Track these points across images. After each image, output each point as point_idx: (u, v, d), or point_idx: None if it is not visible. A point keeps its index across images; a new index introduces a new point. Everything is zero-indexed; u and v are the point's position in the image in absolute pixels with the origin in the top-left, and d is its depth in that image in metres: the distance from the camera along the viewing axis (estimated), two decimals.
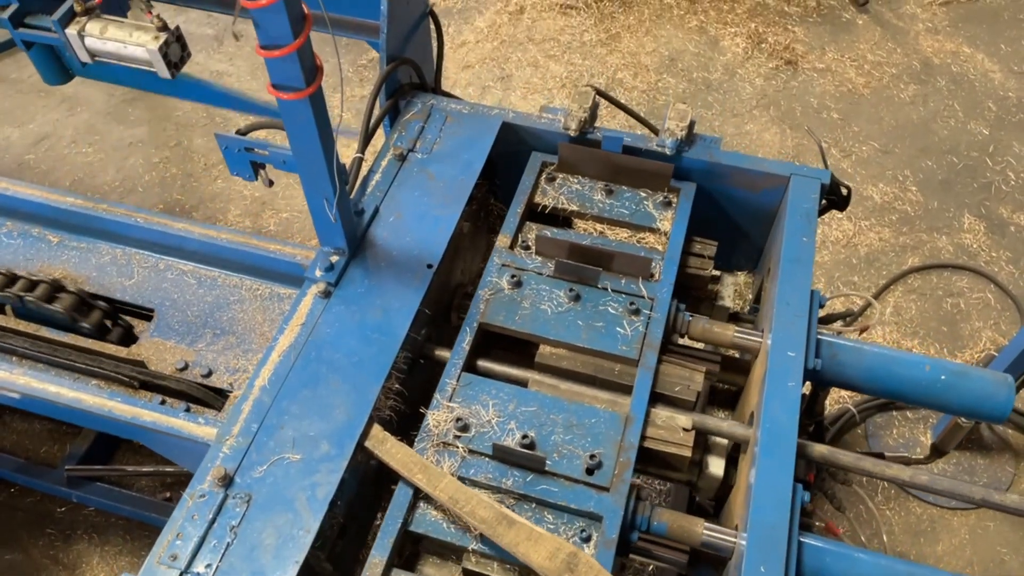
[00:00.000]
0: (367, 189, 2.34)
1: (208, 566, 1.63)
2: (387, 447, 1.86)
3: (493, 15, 5.64)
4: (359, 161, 2.29)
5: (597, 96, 2.48)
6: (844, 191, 2.41)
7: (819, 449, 1.96)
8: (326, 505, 1.72)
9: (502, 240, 2.26)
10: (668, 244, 2.28)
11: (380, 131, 2.52)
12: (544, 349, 2.10)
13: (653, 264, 2.20)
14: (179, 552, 1.65)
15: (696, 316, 2.22)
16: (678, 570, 1.98)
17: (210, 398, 2.39)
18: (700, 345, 2.33)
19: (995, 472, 3.46)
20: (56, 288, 2.57)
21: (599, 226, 2.38)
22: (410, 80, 2.62)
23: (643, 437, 1.92)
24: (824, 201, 2.36)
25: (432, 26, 2.69)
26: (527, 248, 2.28)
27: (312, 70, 1.72)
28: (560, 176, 2.43)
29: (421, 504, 1.81)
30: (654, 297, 2.14)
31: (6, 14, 2.59)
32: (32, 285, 2.56)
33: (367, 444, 1.85)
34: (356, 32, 2.68)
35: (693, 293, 2.42)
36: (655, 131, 2.51)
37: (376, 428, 1.88)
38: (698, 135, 2.44)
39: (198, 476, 1.77)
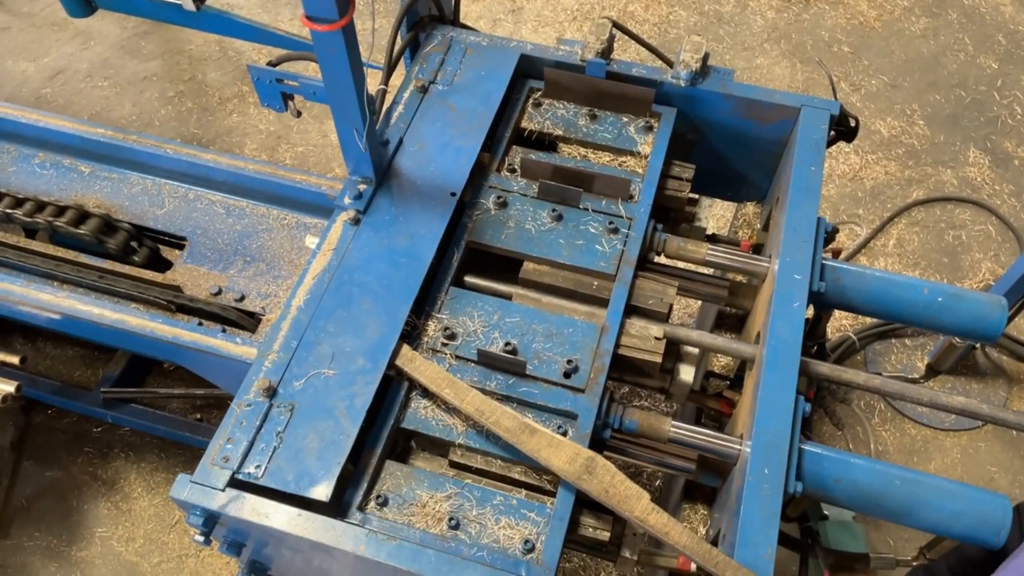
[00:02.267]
0: (391, 120, 2.42)
1: (257, 467, 1.78)
2: (416, 364, 2.00)
3: None
4: (383, 93, 2.36)
5: (613, 28, 2.54)
6: (852, 123, 2.48)
7: (822, 367, 2.09)
8: (363, 413, 1.86)
9: (489, 163, 2.37)
10: (647, 167, 2.39)
11: (401, 64, 2.59)
12: (527, 266, 2.24)
13: (632, 186, 2.32)
14: (230, 454, 1.80)
15: (671, 236, 2.34)
16: (686, 476, 2.14)
17: (244, 321, 2.53)
18: (713, 274, 2.45)
19: (988, 396, 3.61)
20: (82, 213, 2.69)
21: (583, 150, 2.51)
22: (429, 12, 2.67)
23: (617, 345, 2.07)
24: (833, 132, 2.44)
25: None
26: (513, 171, 2.40)
27: (345, 2, 1.78)
28: (547, 102, 2.54)
29: (412, 404, 1.99)
30: (632, 217, 2.27)
31: None
32: (60, 211, 2.67)
33: (398, 362, 1.98)
34: None
35: (672, 215, 2.55)
36: (669, 64, 2.57)
37: (405, 347, 2.01)
38: (712, 67, 2.50)
39: (244, 388, 1.91)
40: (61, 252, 2.65)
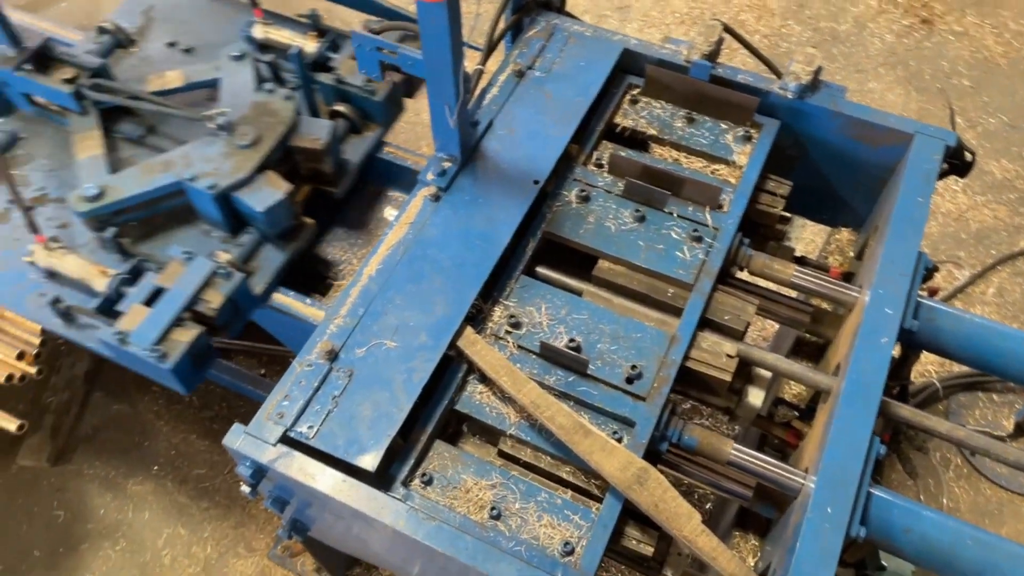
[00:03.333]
0: (483, 102, 2.39)
1: (310, 427, 1.78)
2: (477, 348, 1.97)
3: None
4: (479, 73, 2.33)
5: (724, 32, 2.45)
6: (968, 157, 2.33)
7: (903, 410, 1.97)
8: (419, 389, 1.84)
9: (576, 155, 2.31)
10: (741, 178, 2.29)
11: (500, 47, 2.56)
12: (602, 264, 2.18)
13: (723, 195, 2.23)
14: (286, 412, 1.80)
15: (757, 252, 2.24)
16: (741, 502, 2.05)
17: (318, 285, 2.55)
18: (797, 297, 2.34)
19: None
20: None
21: (675, 153, 2.43)
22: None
23: (686, 357, 1.99)
24: (946, 165, 2.30)
25: None
26: (600, 166, 2.34)
27: None
28: (643, 100, 2.47)
29: (468, 387, 1.96)
30: (719, 227, 2.18)
31: None
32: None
33: (460, 343, 1.96)
34: None
35: (760, 231, 2.44)
36: (777, 74, 2.47)
37: (469, 330, 1.98)
38: (823, 82, 2.39)
39: (306, 348, 1.92)
40: None
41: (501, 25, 2.53)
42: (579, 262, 2.22)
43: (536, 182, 2.21)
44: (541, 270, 2.22)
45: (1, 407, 2.94)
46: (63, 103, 2.41)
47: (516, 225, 2.12)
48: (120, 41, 2.65)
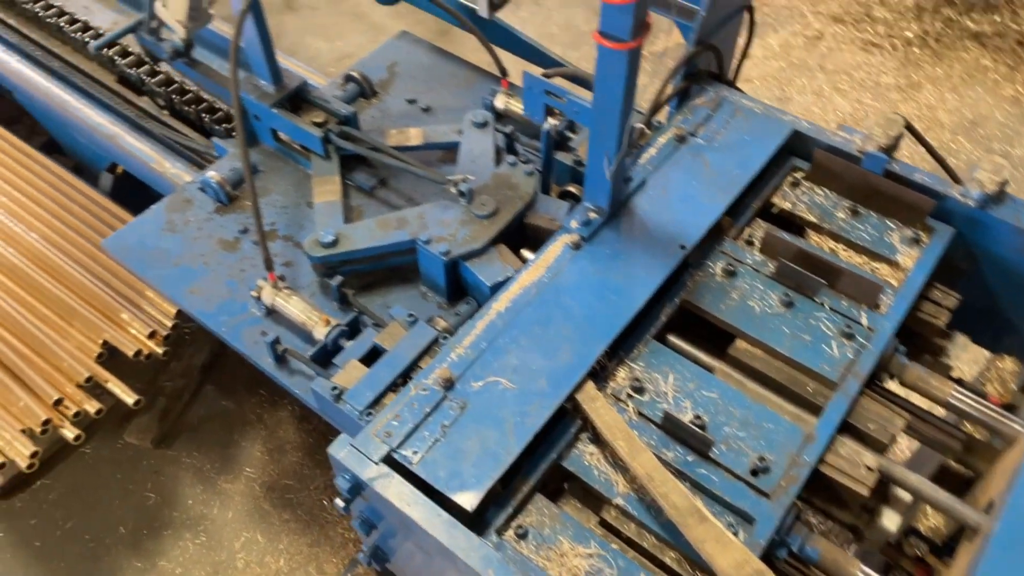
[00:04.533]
0: (639, 160, 2.35)
1: (415, 452, 1.73)
2: (596, 405, 1.88)
3: (788, 35, 5.46)
4: (641, 130, 2.30)
5: (905, 128, 2.32)
6: None
7: None
8: (531, 436, 1.76)
9: (727, 228, 2.22)
10: (905, 280, 2.13)
11: (664, 111, 2.53)
12: (741, 344, 2.05)
13: (882, 295, 2.07)
14: (393, 432, 1.76)
15: (913, 363, 2.05)
16: None
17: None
18: (941, 413, 2.13)
19: None
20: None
21: (832, 243, 2.29)
22: (707, 68, 2.59)
23: (821, 460, 1.81)
24: None
25: (748, 21, 2.63)
26: (751, 243, 2.24)
27: (642, 25, 1.74)
28: (806, 184, 2.35)
29: (578, 445, 1.86)
30: (874, 328, 2.02)
31: None
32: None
33: (579, 396, 1.87)
34: (665, 9, 2.69)
35: (917, 341, 2.24)
36: (956, 180, 2.31)
37: (590, 384, 1.90)
38: (1009, 195, 2.21)
39: (424, 371, 1.88)
40: None
41: (669, 89, 2.50)
42: (714, 337, 2.10)
43: (682, 247, 2.12)
44: (673, 339, 2.12)
45: (123, 380, 3.06)
46: (309, 145, 2.48)
47: (655, 286, 2.04)
48: (364, 91, 2.76)
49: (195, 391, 3.79)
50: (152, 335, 3.06)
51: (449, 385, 1.85)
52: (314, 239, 2.22)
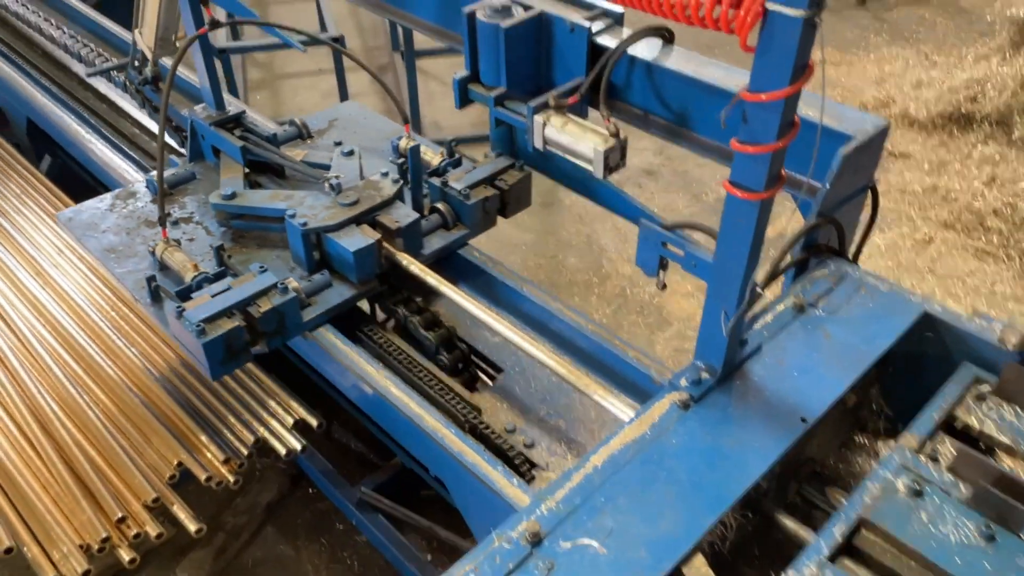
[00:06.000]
0: (755, 324, 2.23)
1: None
2: None
3: (895, 236, 5.38)
4: (760, 294, 2.20)
5: None
6: None
7: None
8: None
9: (908, 440, 1.96)
10: None
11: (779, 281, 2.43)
12: None
13: None
14: None
15: None
16: None
17: (525, 467, 2.37)
18: None
19: None
20: (435, 321, 2.81)
21: None
22: (828, 243, 2.51)
23: None
24: None
25: (869, 200, 2.58)
26: (934, 460, 1.95)
27: (776, 177, 1.69)
28: (992, 399, 2.09)
29: None
30: None
31: (494, 94, 3.02)
32: (419, 310, 2.83)
33: (685, 571, 1.65)
34: (794, 189, 2.66)
35: None
36: None
37: (699, 559, 1.67)
38: None
39: (511, 522, 1.71)
40: (398, 340, 2.78)
41: (787, 258, 2.42)
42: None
43: (803, 419, 1.94)
44: (847, 561, 1.77)
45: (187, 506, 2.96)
46: (231, 153, 3.08)
47: (774, 459, 1.84)
48: (301, 133, 3.33)
49: (255, 531, 3.63)
50: (227, 461, 2.98)
51: (537, 541, 1.66)
52: (218, 192, 2.84)
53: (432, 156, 3.11)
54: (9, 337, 3.47)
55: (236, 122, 3.16)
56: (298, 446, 2.98)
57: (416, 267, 2.68)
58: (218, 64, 5.92)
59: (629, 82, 2.86)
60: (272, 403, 3.15)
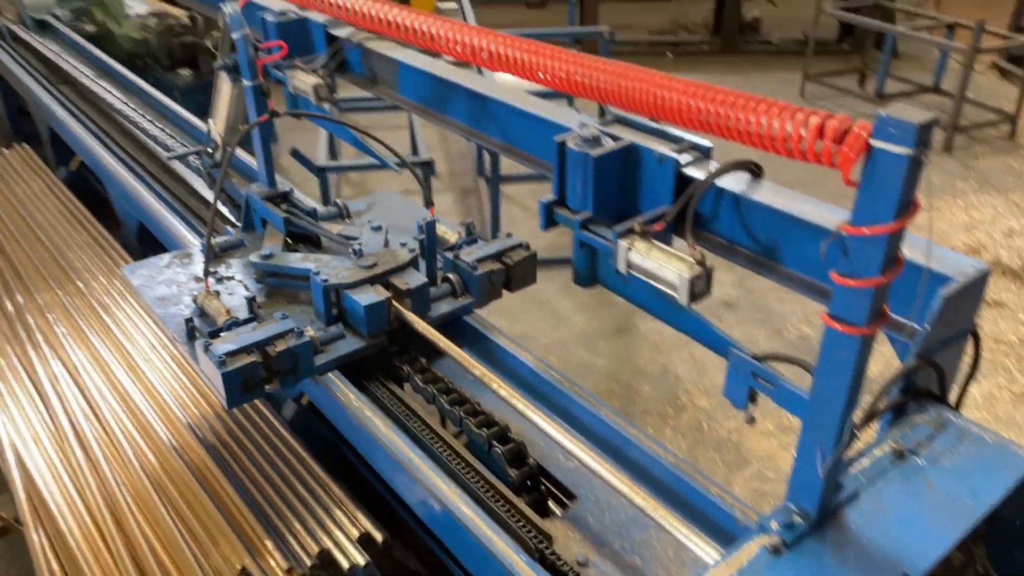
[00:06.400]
0: (850, 468, 2.11)
1: None
2: None
3: (992, 387, 5.12)
4: (855, 436, 2.09)
5: None
6: None
7: None
8: None
9: (960, 565, 1.81)
10: None
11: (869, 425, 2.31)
12: None
13: None
14: None
15: None
16: None
17: None
18: None
19: None
20: (503, 435, 2.76)
21: None
22: (927, 387, 2.39)
23: None
24: None
25: (973, 345, 2.46)
26: None
27: (878, 313, 1.65)
28: None
29: None
30: None
31: (579, 218, 3.08)
32: (488, 422, 2.79)
33: None
34: (895, 331, 2.58)
35: None
36: None
37: None
38: None
39: None
40: (468, 455, 2.74)
41: (884, 401, 2.31)
42: None
43: (905, 575, 1.79)
44: None
45: None
46: (275, 223, 3.52)
47: None
48: (341, 213, 3.71)
49: None
50: (289, 571, 2.92)
51: None
52: (258, 252, 3.28)
53: (451, 235, 3.48)
54: (96, 428, 3.57)
55: (284, 198, 3.64)
56: (362, 561, 2.89)
57: (421, 326, 2.93)
58: (315, 180, 6.28)
59: (716, 212, 2.88)
60: (338, 512, 3.10)
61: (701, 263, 2.70)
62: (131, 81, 6.26)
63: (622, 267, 2.88)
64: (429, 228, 3.23)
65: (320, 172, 6.25)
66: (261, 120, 3.44)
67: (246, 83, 3.43)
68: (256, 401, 3.73)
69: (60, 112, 6.07)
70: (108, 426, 3.57)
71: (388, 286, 3.02)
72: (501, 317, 5.88)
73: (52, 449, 3.55)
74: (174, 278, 3.43)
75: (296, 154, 6.82)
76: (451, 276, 3.26)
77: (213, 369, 2.61)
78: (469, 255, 3.23)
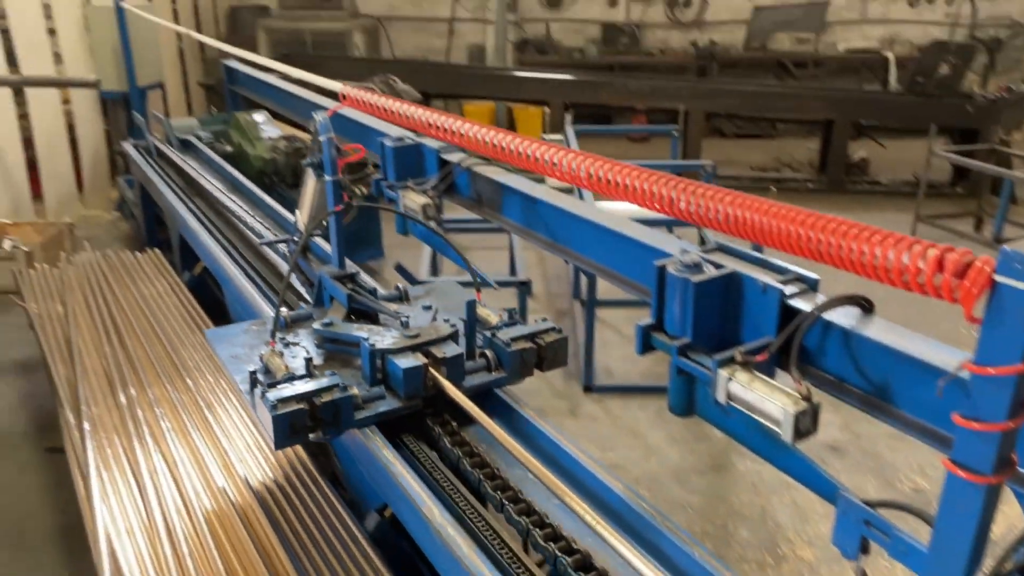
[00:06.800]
0: None
1: None
2: None
3: None
4: None
5: None
6: None
7: None
8: None
9: None
10: None
11: None
12: None
13: None
14: None
15: None
16: None
17: None
18: None
19: None
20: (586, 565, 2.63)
21: None
22: None
23: None
24: None
25: None
26: None
27: (1006, 461, 1.51)
28: None
29: None
30: None
31: (677, 344, 3.03)
32: (571, 552, 2.67)
33: None
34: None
35: None
36: None
37: None
38: None
39: None
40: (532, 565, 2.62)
41: (1011, 560, 2.08)
42: None
43: None
44: None
45: None
46: (339, 298, 3.85)
47: None
48: (400, 296, 3.95)
49: None
50: None
51: None
52: (321, 320, 3.62)
53: (493, 318, 3.73)
54: (187, 523, 3.63)
55: (351, 278, 3.96)
56: None
57: (453, 391, 3.13)
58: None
59: (823, 347, 2.76)
60: None
61: (807, 398, 2.57)
62: (257, 196, 6.76)
63: (721, 397, 2.78)
64: (470, 307, 3.51)
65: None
66: (337, 209, 3.88)
67: (327, 178, 3.85)
68: (340, 509, 3.73)
69: (190, 220, 6.58)
70: (198, 523, 3.62)
71: (428, 355, 3.28)
72: (591, 444, 5.74)
73: (143, 541, 3.62)
74: (248, 340, 3.85)
75: (400, 268, 7.08)
76: (487, 352, 3.47)
77: (266, 413, 2.92)
78: (506, 334, 3.51)
